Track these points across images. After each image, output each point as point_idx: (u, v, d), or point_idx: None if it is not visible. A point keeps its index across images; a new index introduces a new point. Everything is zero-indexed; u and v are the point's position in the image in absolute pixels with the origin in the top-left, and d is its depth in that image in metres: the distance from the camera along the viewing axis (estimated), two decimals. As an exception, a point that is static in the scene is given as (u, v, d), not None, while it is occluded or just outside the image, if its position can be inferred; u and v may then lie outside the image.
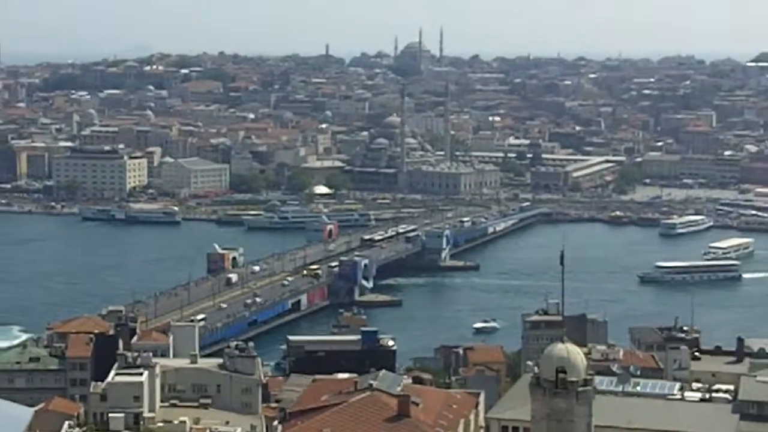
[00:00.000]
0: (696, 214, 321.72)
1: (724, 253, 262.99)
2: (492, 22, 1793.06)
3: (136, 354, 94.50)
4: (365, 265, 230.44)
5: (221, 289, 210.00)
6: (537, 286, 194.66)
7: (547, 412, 63.24)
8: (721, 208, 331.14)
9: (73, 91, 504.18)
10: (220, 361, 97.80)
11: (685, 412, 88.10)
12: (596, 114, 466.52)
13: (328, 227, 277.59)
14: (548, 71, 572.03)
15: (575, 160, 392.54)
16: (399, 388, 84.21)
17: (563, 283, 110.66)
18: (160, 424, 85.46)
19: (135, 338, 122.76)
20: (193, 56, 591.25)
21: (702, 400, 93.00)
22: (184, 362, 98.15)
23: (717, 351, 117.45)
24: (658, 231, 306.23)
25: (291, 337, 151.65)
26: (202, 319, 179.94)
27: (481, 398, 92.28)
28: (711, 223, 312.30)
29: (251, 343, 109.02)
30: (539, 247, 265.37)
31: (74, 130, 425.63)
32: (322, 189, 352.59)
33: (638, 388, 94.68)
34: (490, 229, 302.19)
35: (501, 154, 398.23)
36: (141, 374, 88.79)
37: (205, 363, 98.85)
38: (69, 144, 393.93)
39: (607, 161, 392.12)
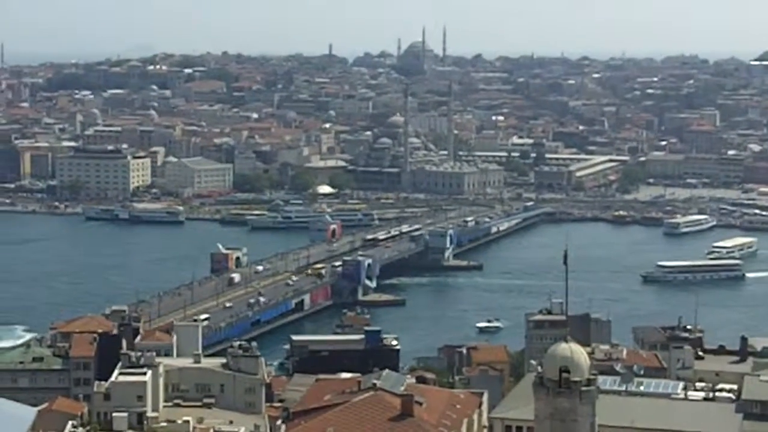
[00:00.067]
0: (699, 213, 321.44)
1: (727, 253, 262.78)
2: (494, 21, 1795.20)
3: (139, 353, 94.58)
4: (368, 265, 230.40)
5: (224, 289, 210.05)
6: (540, 286, 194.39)
7: (551, 411, 63.17)
8: (724, 207, 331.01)
9: (76, 91, 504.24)
10: (224, 360, 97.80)
11: (688, 411, 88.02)
12: (600, 113, 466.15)
13: (332, 227, 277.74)
14: (552, 71, 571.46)
15: (579, 160, 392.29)
16: (402, 388, 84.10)
17: (567, 283, 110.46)
18: (164, 424, 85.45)
19: (138, 338, 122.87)
20: (197, 56, 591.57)
21: (705, 399, 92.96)
22: (187, 362, 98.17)
23: (720, 350, 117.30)
24: (661, 230, 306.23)
25: (294, 337, 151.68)
26: (205, 319, 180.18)
27: (485, 398, 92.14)
28: (714, 223, 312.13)
29: (254, 343, 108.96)
30: (543, 247, 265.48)
31: (77, 129, 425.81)
32: (325, 189, 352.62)
33: (641, 388, 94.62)
34: (494, 229, 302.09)
35: (504, 154, 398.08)
36: (144, 374, 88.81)
37: (208, 363, 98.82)
38: (72, 144, 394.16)
39: (611, 161, 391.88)
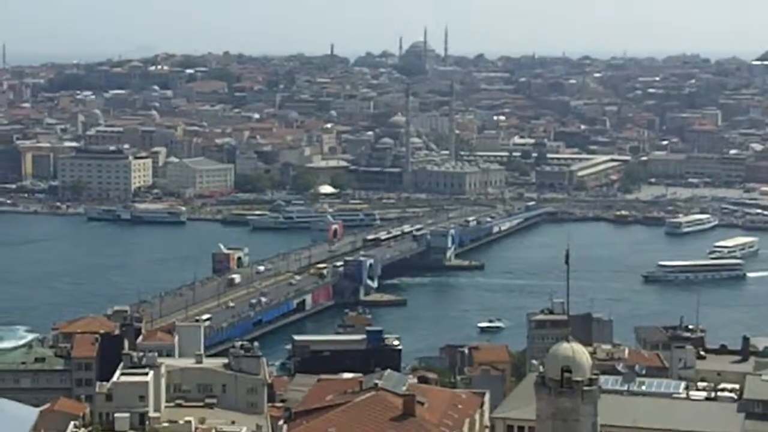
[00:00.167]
0: (701, 213, 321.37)
1: (729, 252, 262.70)
2: (496, 21, 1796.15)
3: (141, 354, 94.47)
4: (370, 265, 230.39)
5: (226, 289, 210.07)
6: (542, 286, 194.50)
7: (553, 411, 63.15)
8: (726, 207, 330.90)
9: (78, 92, 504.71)
10: (226, 361, 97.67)
11: (690, 411, 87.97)
12: (601, 113, 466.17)
13: (333, 227, 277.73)
14: (553, 70, 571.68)
15: (580, 159, 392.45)
16: (404, 388, 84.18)
17: (568, 283, 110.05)
18: (166, 424, 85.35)
19: (140, 338, 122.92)
20: (198, 56, 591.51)
21: (707, 399, 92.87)
22: (189, 362, 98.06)
23: (722, 350, 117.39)
24: (663, 230, 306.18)
25: (296, 337, 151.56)
26: (207, 319, 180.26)
27: (487, 398, 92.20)
28: (716, 222, 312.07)
29: (256, 343, 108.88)
30: (544, 247, 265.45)
31: (79, 130, 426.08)
32: (327, 189, 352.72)
33: (643, 388, 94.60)
34: (495, 229, 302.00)
35: (506, 154, 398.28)
36: (146, 374, 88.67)
37: (210, 363, 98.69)
38: (74, 144, 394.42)
39: (613, 160, 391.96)
